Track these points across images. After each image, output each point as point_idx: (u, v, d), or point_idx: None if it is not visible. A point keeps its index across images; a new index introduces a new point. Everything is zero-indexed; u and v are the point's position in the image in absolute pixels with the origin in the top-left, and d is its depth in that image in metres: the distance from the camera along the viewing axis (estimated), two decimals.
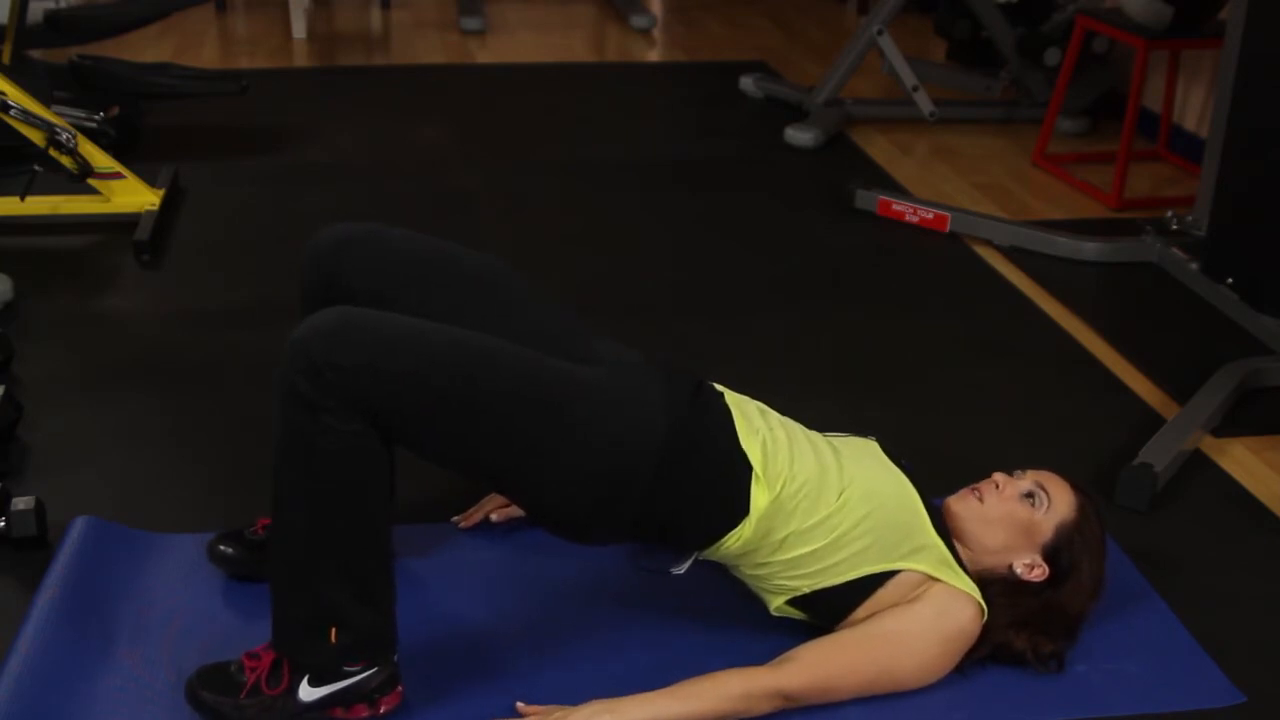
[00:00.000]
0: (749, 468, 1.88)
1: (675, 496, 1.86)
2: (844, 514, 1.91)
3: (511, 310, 1.99)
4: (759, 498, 1.88)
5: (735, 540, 1.89)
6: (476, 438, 1.79)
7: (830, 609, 1.94)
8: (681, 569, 1.96)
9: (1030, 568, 1.98)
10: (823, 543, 1.90)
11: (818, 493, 1.90)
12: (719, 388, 2.01)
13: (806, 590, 1.93)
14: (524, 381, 1.80)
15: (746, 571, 1.97)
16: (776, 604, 1.98)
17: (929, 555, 1.93)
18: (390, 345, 1.74)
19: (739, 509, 1.88)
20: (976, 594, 1.93)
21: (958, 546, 1.99)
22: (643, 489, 1.84)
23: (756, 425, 1.94)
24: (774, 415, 2.02)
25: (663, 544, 1.95)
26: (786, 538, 1.90)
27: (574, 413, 1.82)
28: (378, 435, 1.74)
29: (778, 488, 1.88)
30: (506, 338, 1.86)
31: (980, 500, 2.01)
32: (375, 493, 1.77)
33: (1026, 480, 2.03)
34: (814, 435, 2.03)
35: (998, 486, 2.02)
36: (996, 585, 1.98)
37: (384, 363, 1.72)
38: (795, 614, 1.98)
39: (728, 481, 1.88)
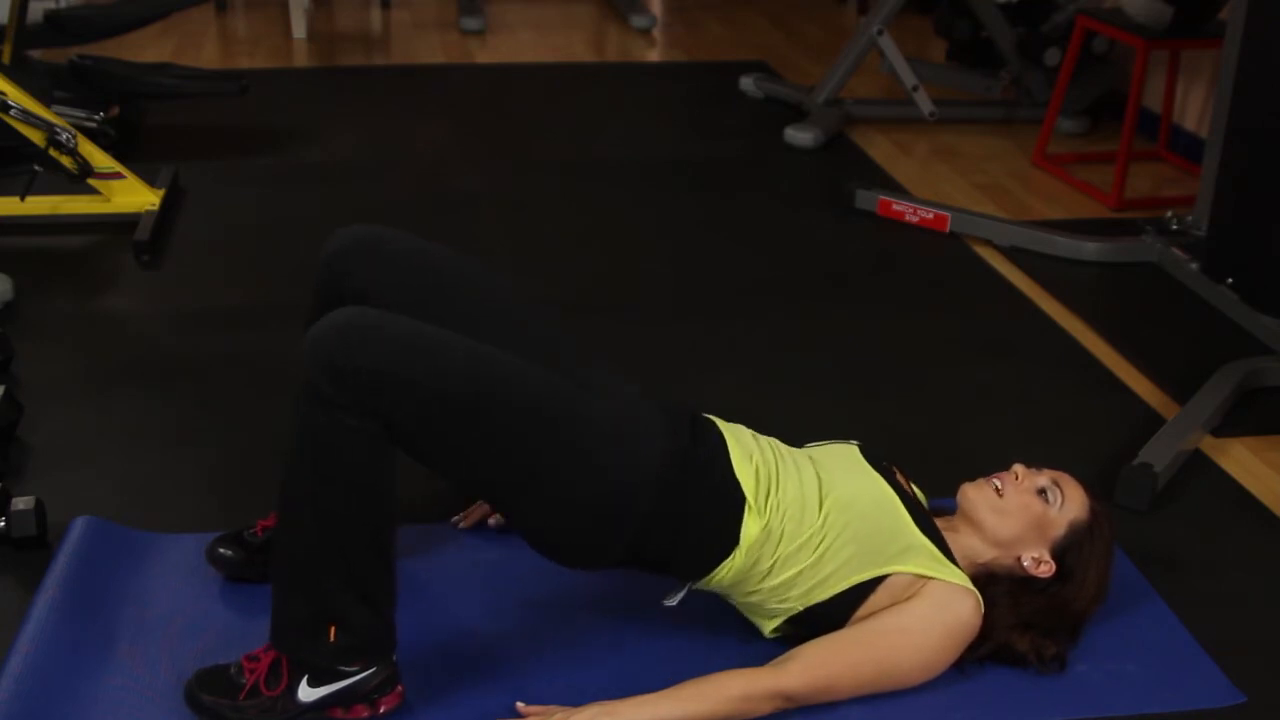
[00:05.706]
0: (742, 498, 1.89)
1: (669, 528, 1.87)
2: (826, 529, 1.91)
3: (525, 327, 1.99)
4: (750, 527, 1.89)
5: (727, 571, 1.91)
6: (481, 451, 1.79)
7: (825, 622, 1.94)
8: (674, 600, 1.96)
9: (1038, 563, 1.98)
10: (808, 561, 1.91)
11: (800, 515, 1.91)
12: (711, 417, 2.02)
13: (800, 609, 1.94)
14: (535, 403, 1.81)
15: (738, 600, 1.99)
16: (772, 628, 1.99)
17: (916, 555, 1.93)
18: (409, 347, 1.75)
19: (730, 540, 1.89)
20: (970, 585, 1.93)
21: (957, 538, 2.00)
22: (639, 519, 1.85)
23: (750, 450, 1.95)
24: (764, 439, 2.02)
25: (655, 574, 1.96)
26: (773, 565, 1.91)
27: (579, 440, 1.83)
28: (390, 438, 1.74)
29: (768, 515, 1.89)
30: (516, 354, 1.86)
31: (998, 491, 2.01)
32: (384, 495, 1.78)
33: (1044, 476, 2.04)
34: (796, 452, 2.03)
35: (1017, 478, 2.02)
36: (1002, 583, 1.98)
37: (401, 364, 1.72)
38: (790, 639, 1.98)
39: (721, 513, 1.89)
